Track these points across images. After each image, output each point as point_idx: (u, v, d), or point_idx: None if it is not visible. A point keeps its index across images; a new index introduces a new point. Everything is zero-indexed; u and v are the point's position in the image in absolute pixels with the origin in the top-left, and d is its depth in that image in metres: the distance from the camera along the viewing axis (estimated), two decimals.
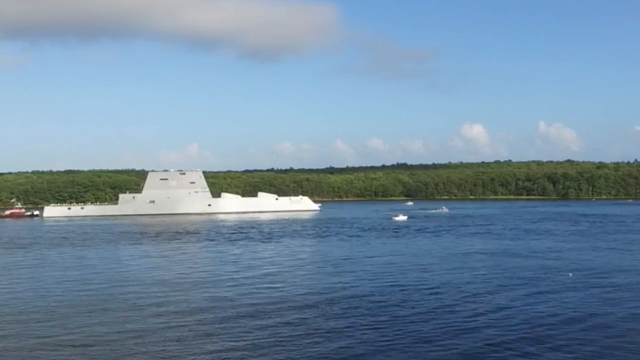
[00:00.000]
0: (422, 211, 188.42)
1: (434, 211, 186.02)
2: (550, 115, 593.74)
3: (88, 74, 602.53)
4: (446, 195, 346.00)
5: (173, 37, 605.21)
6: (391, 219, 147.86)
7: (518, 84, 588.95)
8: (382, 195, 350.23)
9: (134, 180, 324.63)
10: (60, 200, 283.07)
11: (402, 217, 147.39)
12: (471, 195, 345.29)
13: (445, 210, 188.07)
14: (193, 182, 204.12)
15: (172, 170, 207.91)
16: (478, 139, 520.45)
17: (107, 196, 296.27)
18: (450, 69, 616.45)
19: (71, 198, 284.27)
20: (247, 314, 39.39)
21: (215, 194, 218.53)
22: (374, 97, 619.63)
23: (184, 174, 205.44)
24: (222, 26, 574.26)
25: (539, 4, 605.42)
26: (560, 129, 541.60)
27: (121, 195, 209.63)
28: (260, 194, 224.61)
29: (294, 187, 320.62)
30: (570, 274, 51.25)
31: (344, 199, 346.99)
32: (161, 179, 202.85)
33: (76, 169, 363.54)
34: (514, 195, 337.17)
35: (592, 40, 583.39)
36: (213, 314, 39.76)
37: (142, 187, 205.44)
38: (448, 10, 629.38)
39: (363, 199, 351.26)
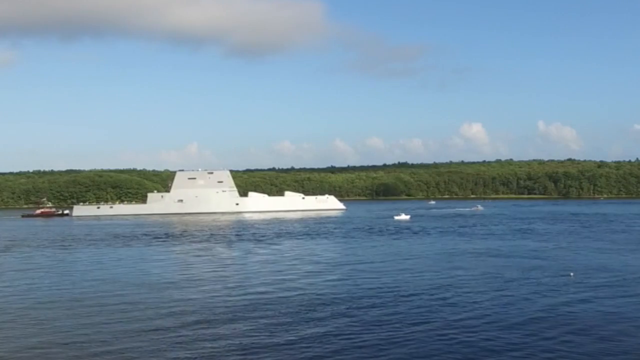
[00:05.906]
0: (453, 210, 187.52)
1: (469, 209, 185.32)
2: (550, 114, 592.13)
3: (77, 73, 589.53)
4: (447, 195, 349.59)
5: (156, 36, 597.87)
6: (392, 217, 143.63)
7: (516, 82, 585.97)
8: (384, 195, 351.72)
9: (135, 180, 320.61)
10: (61, 199, 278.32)
11: (404, 217, 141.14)
12: (472, 194, 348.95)
13: (480, 208, 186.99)
14: (221, 182, 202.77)
15: (199, 169, 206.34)
16: (478, 138, 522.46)
17: (108, 196, 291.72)
18: (440, 66, 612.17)
19: (72, 198, 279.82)
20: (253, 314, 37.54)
21: (242, 193, 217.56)
22: (368, 96, 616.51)
23: (212, 173, 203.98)
24: (206, 25, 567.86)
25: None
26: (560, 128, 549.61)
27: (149, 195, 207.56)
28: (286, 193, 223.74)
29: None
30: (572, 274, 50.51)
31: (345, 198, 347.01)
32: (189, 178, 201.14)
33: (77, 168, 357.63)
34: (515, 194, 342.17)
35: (593, 37, 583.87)
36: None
37: (170, 186, 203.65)
38: (436, 6, 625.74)
39: (364, 198, 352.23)
